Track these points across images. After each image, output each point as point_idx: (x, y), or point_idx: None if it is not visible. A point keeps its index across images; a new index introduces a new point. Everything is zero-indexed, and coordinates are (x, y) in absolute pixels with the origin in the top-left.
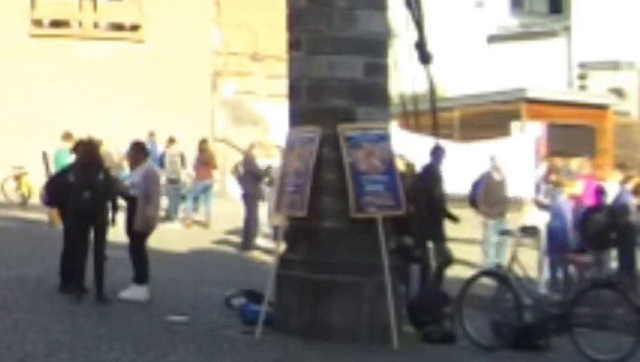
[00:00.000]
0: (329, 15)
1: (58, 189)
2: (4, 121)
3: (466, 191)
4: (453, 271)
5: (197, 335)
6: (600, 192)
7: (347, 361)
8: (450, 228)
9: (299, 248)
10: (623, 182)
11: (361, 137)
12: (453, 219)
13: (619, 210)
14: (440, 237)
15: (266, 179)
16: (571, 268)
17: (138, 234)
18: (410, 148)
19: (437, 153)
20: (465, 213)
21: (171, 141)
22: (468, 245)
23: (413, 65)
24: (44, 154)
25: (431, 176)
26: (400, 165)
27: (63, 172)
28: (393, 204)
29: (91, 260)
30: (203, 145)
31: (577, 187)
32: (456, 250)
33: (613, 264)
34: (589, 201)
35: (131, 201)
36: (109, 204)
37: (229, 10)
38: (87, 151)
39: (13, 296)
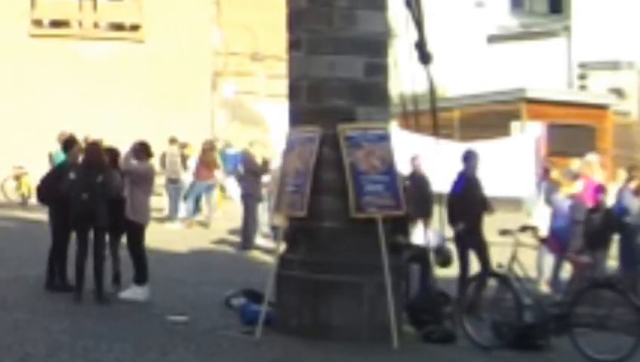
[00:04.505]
0: (329, 15)
1: (48, 188)
2: (4, 121)
3: None
4: (453, 271)
5: (197, 335)
6: (599, 191)
7: (347, 361)
8: (450, 228)
9: (299, 248)
10: (626, 182)
11: (361, 137)
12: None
13: (618, 211)
14: (479, 243)
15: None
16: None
17: (133, 227)
18: (410, 148)
19: (469, 158)
20: None
21: (173, 141)
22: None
23: (413, 65)
24: (51, 156)
25: (466, 182)
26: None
27: (57, 170)
28: (393, 204)
29: (91, 261)
30: (206, 146)
31: (576, 186)
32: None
33: (612, 263)
34: (589, 200)
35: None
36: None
37: (229, 10)
38: (93, 153)
39: (13, 296)
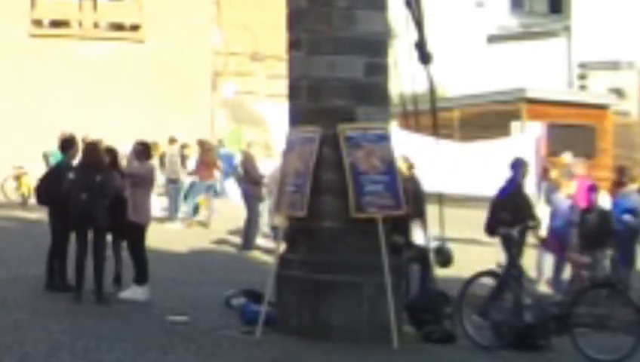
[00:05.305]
0: (329, 15)
1: (47, 188)
2: (4, 121)
3: (466, 191)
4: (453, 271)
5: (197, 335)
6: (592, 191)
7: (347, 361)
8: (450, 228)
9: (299, 248)
10: (616, 183)
11: (361, 137)
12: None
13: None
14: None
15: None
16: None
17: (135, 228)
18: (410, 148)
19: (518, 166)
20: (465, 213)
21: (172, 141)
22: (468, 245)
23: (413, 65)
24: (45, 156)
25: (515, 189)
26: (403, 167)
27: (55, 170)
28: (393, 204)
29: (91, 261)
30: (205, 145)
31: (571, 187)
32: (457, 250)
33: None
34: (582, 201)
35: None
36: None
37: (229, 10)
38: (91, 153)
39: (13, 296)
